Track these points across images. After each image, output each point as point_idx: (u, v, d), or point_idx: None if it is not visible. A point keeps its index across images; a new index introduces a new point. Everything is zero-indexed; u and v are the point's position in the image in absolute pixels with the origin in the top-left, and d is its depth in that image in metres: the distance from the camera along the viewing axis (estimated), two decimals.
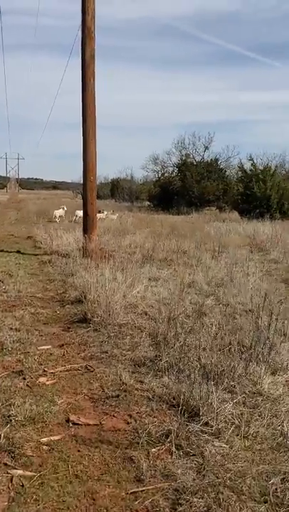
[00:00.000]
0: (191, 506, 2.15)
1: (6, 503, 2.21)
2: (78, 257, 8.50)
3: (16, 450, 2.61)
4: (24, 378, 3.58)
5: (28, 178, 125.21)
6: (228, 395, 3.19)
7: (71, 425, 2.92)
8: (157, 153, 39.38)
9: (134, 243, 10.74)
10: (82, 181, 10.45)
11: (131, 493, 2.29)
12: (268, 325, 4.07)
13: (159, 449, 2.64)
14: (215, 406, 2.93)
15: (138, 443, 2.70)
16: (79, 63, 9.76)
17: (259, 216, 19.20)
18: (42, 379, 3.59)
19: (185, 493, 2.24)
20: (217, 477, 2.36)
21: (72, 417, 3.00)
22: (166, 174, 33.30)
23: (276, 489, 2.28)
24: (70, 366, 3.87)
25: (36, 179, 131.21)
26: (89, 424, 2.93)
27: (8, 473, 2.43)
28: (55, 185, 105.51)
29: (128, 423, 2.95)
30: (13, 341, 4.36)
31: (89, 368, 3.83)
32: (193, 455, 2.57)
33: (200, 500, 2.18)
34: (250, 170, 23.95)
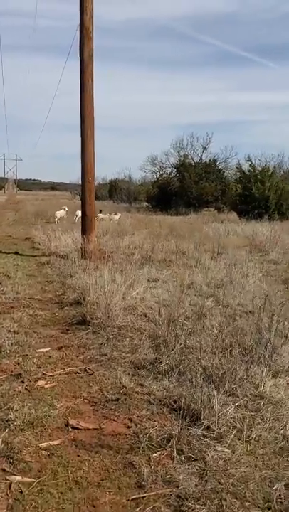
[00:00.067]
0: None
1: (5, 511, 2.16)
2: (77, 258, 8.44)
3: (14, 455, 2.56)
4: (23, 381, 3.54)
5: (26, 179, 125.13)
6: (229, 398, 3.15)
7: (70, 429, 2.87)
8: (155, 154, 39.67)
9: (133, 244, 10.69)
10: (80, 182, 10.41)
11: (132, 499, 2.24)
12: (269, 327, 4.04)
13: (160, 454, 2.59)
14: (216, 409, 2.89)
15: (139, 448, 2.66)
16: (77, 64, 9.73)
17: (257, 217, 19.24)
18: (41, 382, 3.54)
19: (187, 499, 2.20)
20: (220, 483, 2.32)
21: (72, 421, 2.95)
22: (164, 175, 33.36)
23: (280, 495, 2.24)
24: (69, 369, 3.82)
25: (34, 180, 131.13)
26: (89, 429, 2.89)
27: (6, 479, 2.38)
28: (53, 186, 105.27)
29: (128, 427, 2.90)
30: (12, 344, 4.32)
31: (88, 370, 3.78)
32: (195, 460, 2.53)
33: (202, 507, 2.14)
34: (249, 171, 23.96)
